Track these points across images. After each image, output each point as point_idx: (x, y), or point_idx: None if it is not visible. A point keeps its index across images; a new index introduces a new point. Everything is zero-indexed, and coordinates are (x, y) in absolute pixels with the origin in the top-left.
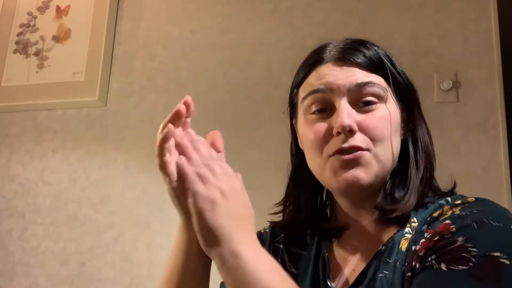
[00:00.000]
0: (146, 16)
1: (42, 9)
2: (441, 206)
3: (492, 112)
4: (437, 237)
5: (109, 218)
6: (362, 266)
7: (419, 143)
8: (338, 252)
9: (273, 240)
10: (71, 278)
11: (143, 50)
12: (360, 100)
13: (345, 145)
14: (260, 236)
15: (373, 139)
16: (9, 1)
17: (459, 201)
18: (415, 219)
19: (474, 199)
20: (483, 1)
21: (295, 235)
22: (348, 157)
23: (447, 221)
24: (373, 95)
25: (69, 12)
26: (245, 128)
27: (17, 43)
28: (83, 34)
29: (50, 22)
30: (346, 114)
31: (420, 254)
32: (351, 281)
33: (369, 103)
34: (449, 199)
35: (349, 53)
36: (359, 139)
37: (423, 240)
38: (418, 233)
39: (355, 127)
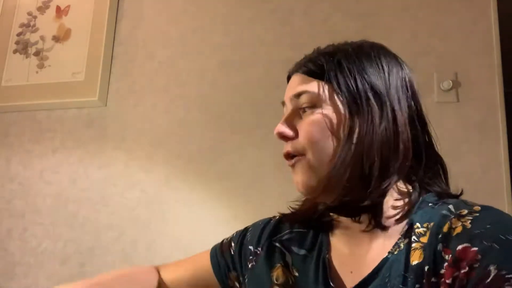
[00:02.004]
0: (146, 16)
1: (42, 9)
2: (446, 217)
3: (492, 112)
4: (466, 269)
5: (109, 218)
6: (361, 268)
7: (357, 136)
8: (337, 252)
9: (272, 236)
10: (71, 278)
11: (143, 50)
12: (301, 108)
13: (283, 150)
14: (257, 227)
15: (304, 145)
16: (9, 1)
17: (465, 211)
18: (418, 224)
19: (479, 207)
20: (483, 1)
21: (291, 235)
22: (289, 163)
23: (466, 244)
24: (306, 103)
25: (69, 12)
26: (245, 128)
27: (17, 43)
28: (83, 34)
29: (50, 22)
30: (281, 122)
31: (448, 281)
32: (351, 284)
33: (304, 110)
34: (451, 207)
35: (300, 64)
36: (294, 145)
37: (446, 264)
38: (430, 250)
39: (287, 133)
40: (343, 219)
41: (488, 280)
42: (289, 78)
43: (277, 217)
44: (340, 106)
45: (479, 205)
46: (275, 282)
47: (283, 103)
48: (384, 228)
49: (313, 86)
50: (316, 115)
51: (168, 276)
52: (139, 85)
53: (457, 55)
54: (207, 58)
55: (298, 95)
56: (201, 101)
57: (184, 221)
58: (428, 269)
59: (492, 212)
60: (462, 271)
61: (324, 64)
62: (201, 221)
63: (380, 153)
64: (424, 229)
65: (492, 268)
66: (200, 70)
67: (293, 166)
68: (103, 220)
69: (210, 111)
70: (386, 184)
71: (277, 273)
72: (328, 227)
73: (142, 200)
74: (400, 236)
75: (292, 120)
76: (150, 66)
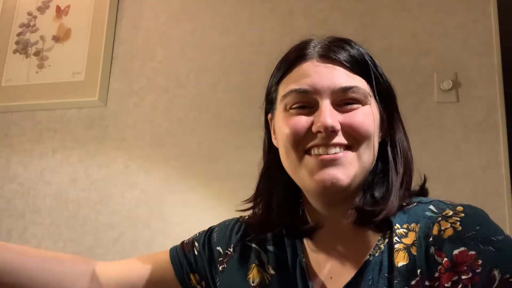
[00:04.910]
0: (146, 16)
1: (42, 9)
2: (432, 219)
3: (492, 112)
4: (470, 274)
5: (109, 218)
6: (342, 273)
7: (398, 147)
8: (313, 256)
9: (244, 237)
10: None
11: (143, 50)
12: (343, 101)
13: (329, 141)
14: (222, 229)
15: (357, 137)
16: (9, 1)
17: (450, 212)
18: (398, 225)
19: (461, 207)
20: (483, 1)
21: (266, 234)
22: (328, 157)
23: (462, 248)
24: (356, 99)
25: (69, 12)
26: (245, 128)
27: (17, 43)
28: (83, 34)
29: (50, 22)
30: (329, 113)
31: (447, 285)
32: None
33: (351, 103)
34: (432, 208)
35: (333, 50)
36: (342, 138)
37: (440, 267)
38: (421, 253)
39: (338, 127)
40: (318, 219)
41: (495, 285)
42: (301, 58)
43: (245, 218)
44: (378, 108)
45: (459, 204)
46: (252, 284)
47: (302, 90)
48: (366, 228)
49: (362, 83)
50: (366, 110)
51: (105, 273)
52: (139, 85)
53: (457, 55)
54: (207, 58)
55: (347, 89)
56: (201, 101)
57: (184, 221)
58: (420, 272)
59: (474, 212)
60: (465, 277)
61: (369, 62)
62: (201, 221)
63: (409, 160)
64: (405, 230)
65: (495, 272)
66: (200, 70)
67: (335, 159)
68: (103, 220)
69: (210, 111)
70: (408, 195)
71: (253, 274)
72: (301, 233)
73: (142, 200)
74: (380, 237)
75: (335, 113)
76: (150, 66)
